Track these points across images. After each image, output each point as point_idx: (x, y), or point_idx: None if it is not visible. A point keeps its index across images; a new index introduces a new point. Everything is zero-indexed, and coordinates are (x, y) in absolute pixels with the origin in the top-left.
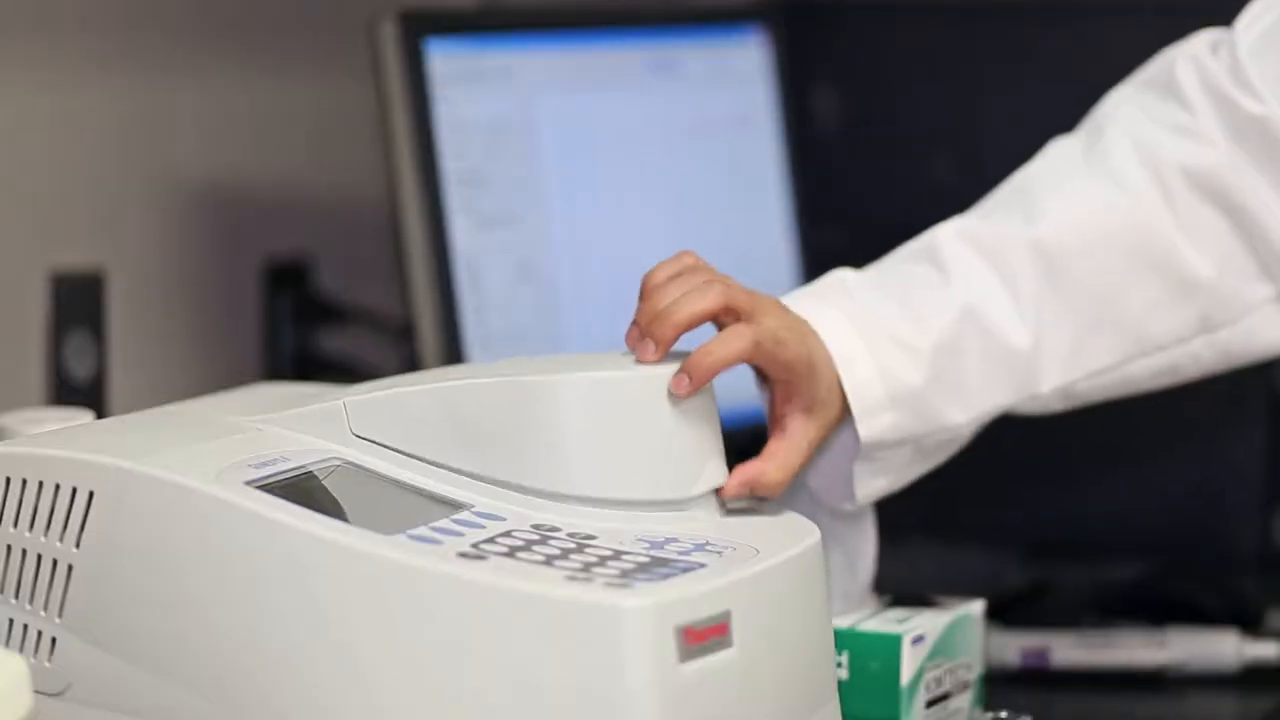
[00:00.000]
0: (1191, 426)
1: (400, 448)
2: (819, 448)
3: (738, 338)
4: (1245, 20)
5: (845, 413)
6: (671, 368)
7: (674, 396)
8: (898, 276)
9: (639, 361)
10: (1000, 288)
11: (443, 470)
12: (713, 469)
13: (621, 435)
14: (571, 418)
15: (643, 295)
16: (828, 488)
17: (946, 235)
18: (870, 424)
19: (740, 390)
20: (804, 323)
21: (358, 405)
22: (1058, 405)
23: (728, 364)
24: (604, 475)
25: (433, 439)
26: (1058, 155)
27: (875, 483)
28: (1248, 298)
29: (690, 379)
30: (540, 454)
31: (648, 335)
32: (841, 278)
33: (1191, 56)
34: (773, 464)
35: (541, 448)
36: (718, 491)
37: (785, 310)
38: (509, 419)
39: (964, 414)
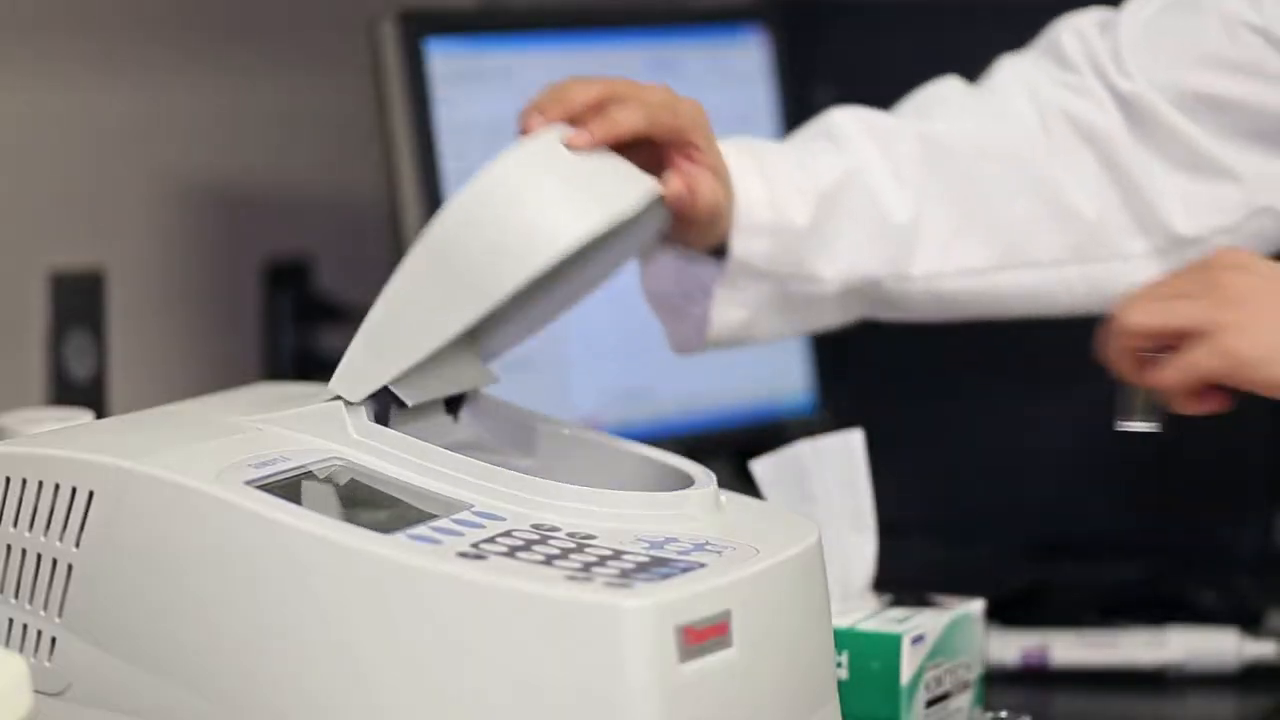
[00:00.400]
0: (1191, 426)
1: (401, 366)
2: (676, 285)
3: (631, 107)
4: (1131, 6)
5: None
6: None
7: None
8: (793, 141)
9: (526, 131)
10: (885, 162)
11: (443, 470)
12: (641, 180)
13: (556, 184)
14: (508, 191)
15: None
16: (680, 328)
17: (841, 114)
18: (747, 243)
19: (741, 389)
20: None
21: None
22: (927, 304)
23: (621, 131)
24: (559, 218)
25: (415, 335)
26: (943, 83)
27: (734, 313)
28: (1123, 247)
29: (588, 134)
30: (508, 241)
31: (532, 114)
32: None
33: (1076, 30)
34: (699, 170)
35: (503, 234)
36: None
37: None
38: (469, 232)
39: (832, 269)
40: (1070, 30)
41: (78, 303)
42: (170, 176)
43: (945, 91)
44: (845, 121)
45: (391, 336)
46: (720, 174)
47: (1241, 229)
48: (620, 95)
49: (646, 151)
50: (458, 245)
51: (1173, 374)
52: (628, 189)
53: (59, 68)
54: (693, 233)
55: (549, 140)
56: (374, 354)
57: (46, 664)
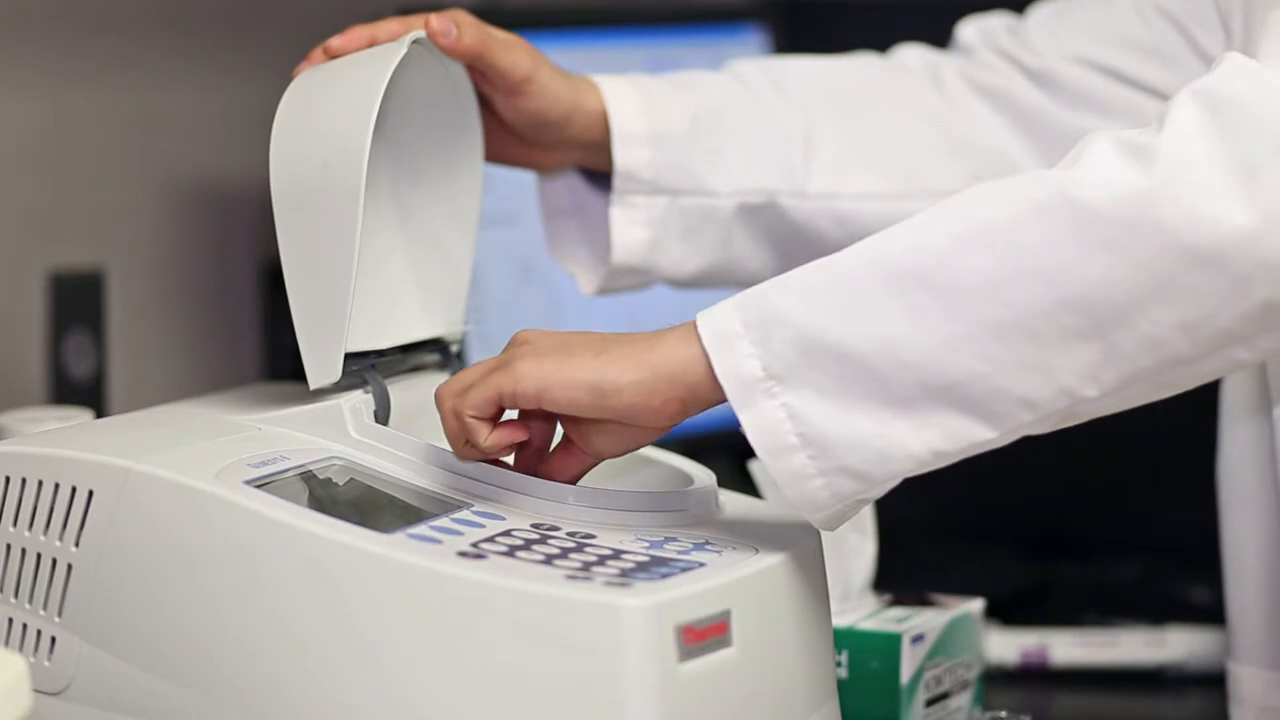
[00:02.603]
0: (1191, 426)
1: (341, 317)
2: (571, 220)
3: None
4: (1034, 11)
5: (588, 139)
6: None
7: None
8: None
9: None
10: (775, 87)
11: (442, 470)
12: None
13: (328, 86)
14: (296, 116)
15: None
16: (584, 263)
17: (734, 60)
18: (627, 153)
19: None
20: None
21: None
22: (833, 231)
23: (379, 33)
24: (350, 108)
25: (331, 281)
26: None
27: (635, 232)
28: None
29: (345, 35)
30: (320, 171)
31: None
32: None
33: (978, 26)
34: (460, 16)
35: (314, 164)
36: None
37: None
38: (293, 184)
39: (725, 182)
40: (970, 26)
41: (78, 303)
42: (170, 176)
43: (845, 58)
44: (739, 61)
45: (314, 303)
46: (498, 38)
47: None
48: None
49: None
50: (294, 185)
51: (475, 394)
52: (392, 48)
53: (59, 68)
54: (527, 123)
55: (314, 67)
56: (316, 330)
57: (46, 664)
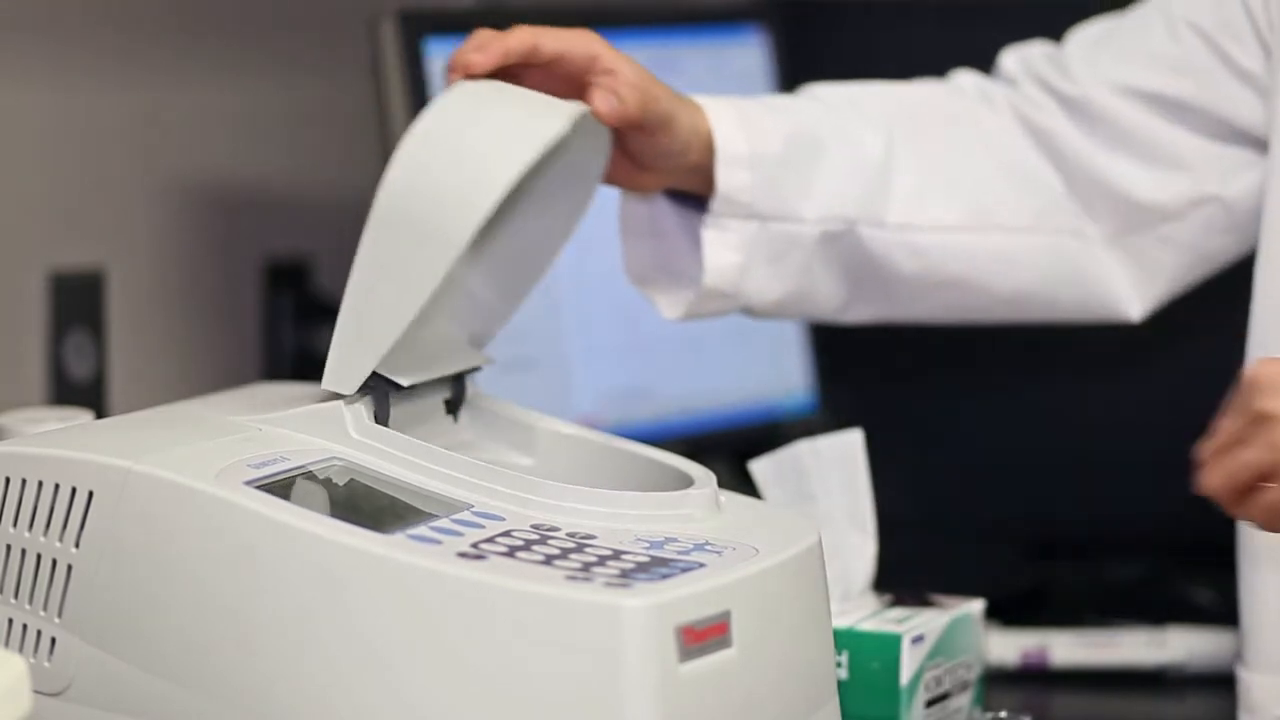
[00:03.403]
0: (1192, 426)
1: (386, 343)
2: (654, 247)
3: (521, 31)
4: (1073, 38)
5: (690, 163)
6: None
7: (492, 90)
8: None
9: (464, 76)
10: (859, 113)
11: (442, 470)
12: (567, 105)
13: (476, 128)
14: (432, 154)
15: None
16: (670, 291)
17: (813, 85)
18: (728, 176)
19: (741, 389)
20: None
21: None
22: (907, 263)
23: (511, 47)
24: (490, 165)
25: (392, 309)
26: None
27: (727, 256)
28: (1084, 230)
29: (486, 51)
30: (440, 206)
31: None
32: None
33: (1018, 55)
34: (622, 81)
35: (434, 201)
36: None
37: None
38: (403, 210)
39: (811, 207)
40: (1011, 55)
41: (78, 303)
42: (170, 176)
43: (910, 82)
44: (819, 86)
45: (367, 318)
46: (645, 80)
47: (1187, 216)
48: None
49: (558, 88)
50: (404, 208)
51: (1259, 512)
52: (555, 113)
53: (59, 68)
54: (651, 154)
55: (465, 89)
56: (355, 340)
57: (46, 664)
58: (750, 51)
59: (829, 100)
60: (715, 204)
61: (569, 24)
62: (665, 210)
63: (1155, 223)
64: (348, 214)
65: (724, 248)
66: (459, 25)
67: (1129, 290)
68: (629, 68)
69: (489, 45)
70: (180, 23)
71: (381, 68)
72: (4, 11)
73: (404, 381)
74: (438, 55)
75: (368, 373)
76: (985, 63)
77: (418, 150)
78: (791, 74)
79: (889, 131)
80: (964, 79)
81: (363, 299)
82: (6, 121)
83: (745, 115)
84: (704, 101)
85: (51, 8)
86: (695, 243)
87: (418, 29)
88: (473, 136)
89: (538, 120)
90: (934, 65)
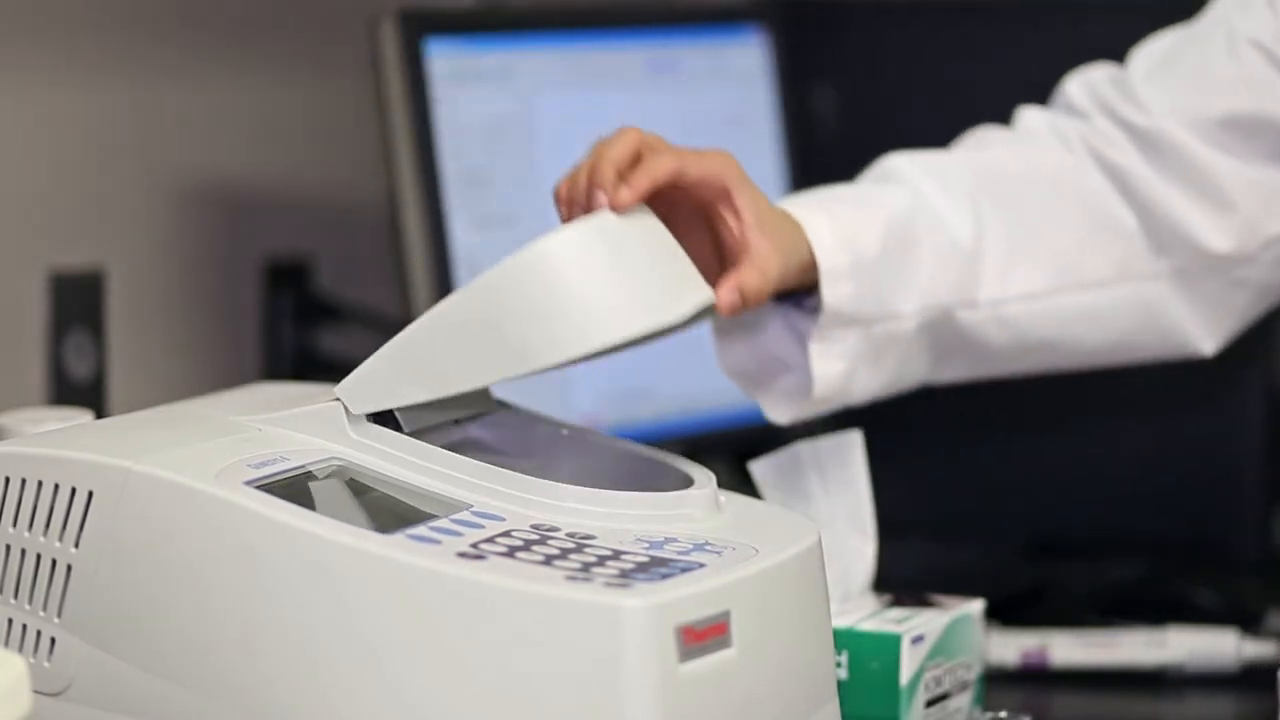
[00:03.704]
0: (1191, 426)
1: (404, 400)
2: (760, 358)
3: (664, 156)
4: (1137, 57)
5: (793, 280)
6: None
7: (638, 230)
8: (853, 184)
9: (601, 207)
10: (943, 191)
11: (442, 470)
12: (696, 284)
13: (600, 279)
14: (552, 279)
15: (559, 187)
16: (779, 397)
17: (893, 158)
18: (835, 290)
19: (741, 390)
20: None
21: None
22: (997, 336)
23: (659, 178)
24: (594, 323)
25: (431, 369)
26: (982, 129)
27: (834, 366)
28: (1152, 266)
29: (629, 189)
30: (530, 330)
31: (591, 188)
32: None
33: (1083, 81)
34: (747, 269)
35: (529, 323)
36: (710, 310)
37: None
38: (494, 313)
39: (909, 302)
40: (1077, 82)
41: (78, 303)
42: (170, 176)
43: (984, 131)
44: (898, 161)
45: (414, 366)
46: (764, 222)
47: (1259, 258)
48: (651, 144)
49: (684, 203)
50: (503, 307)
51: None
52: (681, 295)
53: (59, 68)
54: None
55: (606, 223)
56: (392, 376)
57: (46, 664)
58: (750, 51)
59: (911, 179)
60: (823, 319)
61: (569, 24)
62: (763, 310)
63: (1228, 268)
64: (348, 214)
65: (831, 358)
66: (459, 25)
67: (1201, 329)
68: (760, 241)
69: (637, 181)
70: (180, 23)
71: (381, 68)
72: (4, 11)
73: (406, 426)
74: (438, 55)
75: (382, 409)
76: (985, 62)
77: (549, 260)
78: (791, 74)
79: (975, 207)
80: (1033, 119)
81: (417, 348)
82: (6, 121)
83: (839, 222)
84: (798, 214)
85: (51, 8)
86: (794, 336)
87: (418, 29)
88: (596, 281)
89: (662, 299)
90: (934, 65)
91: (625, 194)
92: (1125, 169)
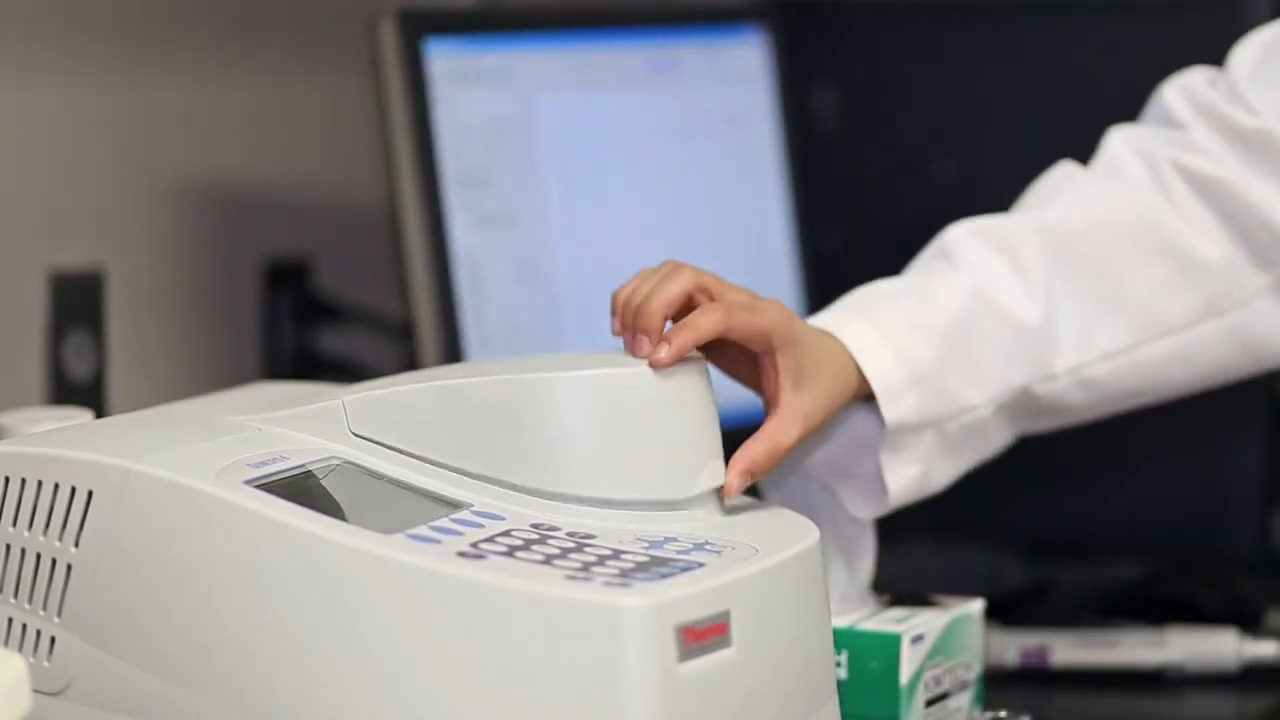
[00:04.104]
0: (1192, 427)
1: (398, 446)
2: (837, 454)
3: (712, 310)
4: (1238, 54)
5: (851, 398)
6: (674, 367)
7: (672, 395)
8: (908, 273)
9: (636, 356)
10: (1008, 269)
11: (442, 470)
12: (713, 468)
13: (621, 434)
14: (570, 416)
15: (615, 299)
16: (857, 492)
17: (954, 232)
18: (894, 407)
19: (740, 389)
20: (783, 307)
21: (356, 404)
22: (1079, 398)
23: (703, 335)
24: (603, 474)
25: (431, 437)
26: (1058, 169)
27: (906, 470)
28: (1249, 284)
29: (670, 348)
30: (538, 453)
31: (636, 330)
32: (853, 292)
33: (1181, 86)
34: (761, 443)
35: (540, 446)
36: (719, 491)
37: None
38: (507, 417)
39: (981, 393)
40: (1174, 88)
41: (78, 303)
42: (170, 176)
43: (1060, 175)
44: (961, 237)
45: (427, 415)
46: (805, 371)
47: None
48: (705, 287)
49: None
50: (507, 416)
51: None
52: (687, 476)
53: (59, 67)
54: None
55: (639, 376)
56: (397, 411)
57: (46, 664)
58: (750, 51)
59: (971, 260)
60: (888, 435)
61: (569, 24)
62: (843, 412)
63: None
64: (347, 214)
65: (902, 464)
66: (459, 25)
67: None
68: (791, 402)
69: (681, 341)
70: (180, 23)
71: (381, 68)
72: (4, 12)
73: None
74: (438, 55)
75: (374, 436)
76: (984, 62)
77: (567, 395)
78: (791, 74)
79: (1044, 278)
80: (1118, 147)
81: (440, 402)
82: (6, 121)
83: (889, 336)
84: (844, 337)
85: (52, 8)
86: (869, 445)
87: (418, 29)
88: (633, 439)
89: (665, 475)
90: (934, 65)
91: (665, 355)
92: (1223, 181)
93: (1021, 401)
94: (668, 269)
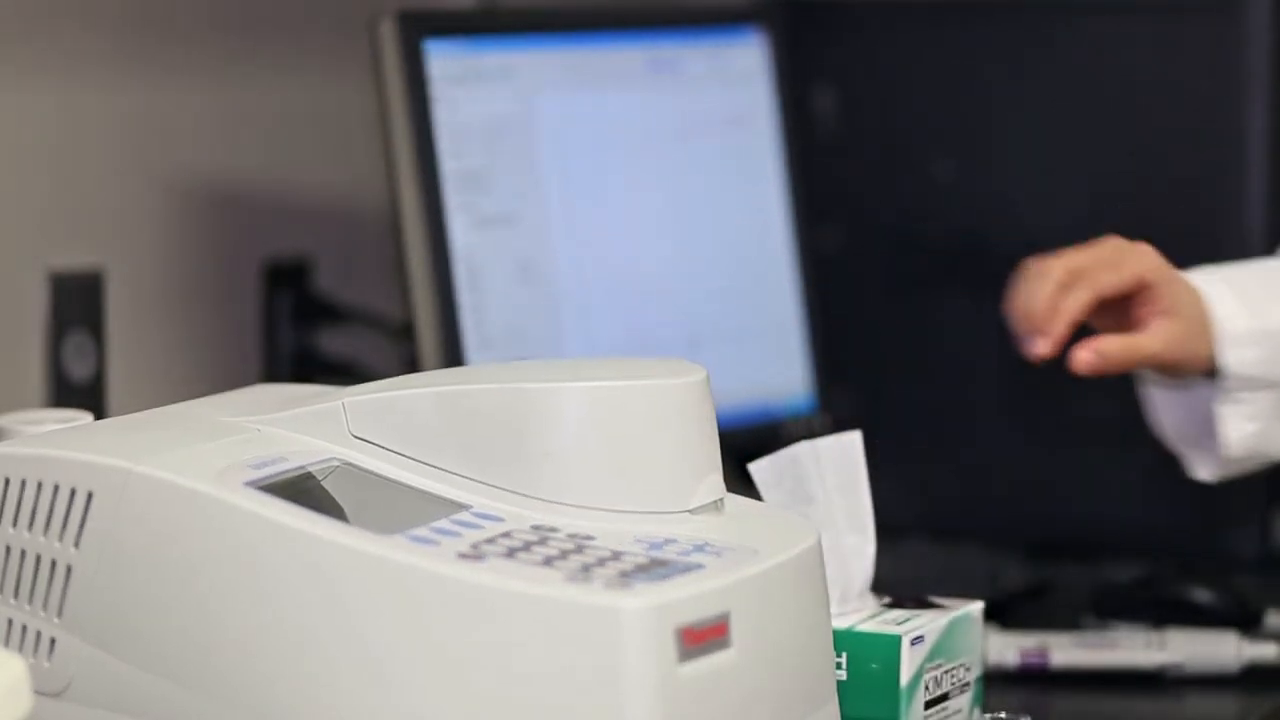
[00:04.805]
0: None
1: (398, 450)
2: (1188, 420)
3: (1079, 291)
4: None
5: (1205, 350)
6: (676, 381)
7: (673, 409)
8: (1265, 259)
9: (1029, 354)
10: None
11: (442, 471)
12: (711, 481)
13: (621, 445)
14: (571, 426)
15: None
16: (1204, 455)
17: None
18: (1236, 354)
19: (740, 390)
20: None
21: (357, 406)
22: None
23: (1073, 314)
24: (601, 485)
25: (431, 442)
26: None
27: (1245, 426)
28: None
29: (1045, 341)
30: (538, 462)
31: (1042, 327)
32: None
33: None
34: (1122, 339)
35: (540, 456)
36: (717, 504)
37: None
38: (507, 425)
39: None
40: None
41: (78, 303)
42: (170, 176)
43: None
44: None
45: (427, 420)
46: (1176, 309)
47: None
48: (1078, 270)
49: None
50: (538, 431)
51: None
52: (684, 489)
53: (59, 67)
54: (1175, 371)
55: (644, 393)
56: (398, 415)
57: (46, 664)
58: (750, 51)
59: None
60: (1227, 381)
61: (569, 24)
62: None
63: None
64: (347, 214)
65: (1241, 419)
66: (459, 25)
67: None
68: (1161, 322)
69: (1053, 323)
70: (180, 23)
71: (381, 68)
72: (4, 12)
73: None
74: (437, 56)
75: (373, 440)
76: (984, 62)
77: (594, 404)
78: (791, 74)
79: None
80: None
81: (427, 411)
82: (7, 121)
83: (1240, 290)
84: (1200, 286)
85: (51, 8)
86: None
87: (418, 29)
88: (633, 451)
89: (670, 489)
90: (934, 65)
91: (1042, 346)
92: None
93: None
94: (1109, 252)
